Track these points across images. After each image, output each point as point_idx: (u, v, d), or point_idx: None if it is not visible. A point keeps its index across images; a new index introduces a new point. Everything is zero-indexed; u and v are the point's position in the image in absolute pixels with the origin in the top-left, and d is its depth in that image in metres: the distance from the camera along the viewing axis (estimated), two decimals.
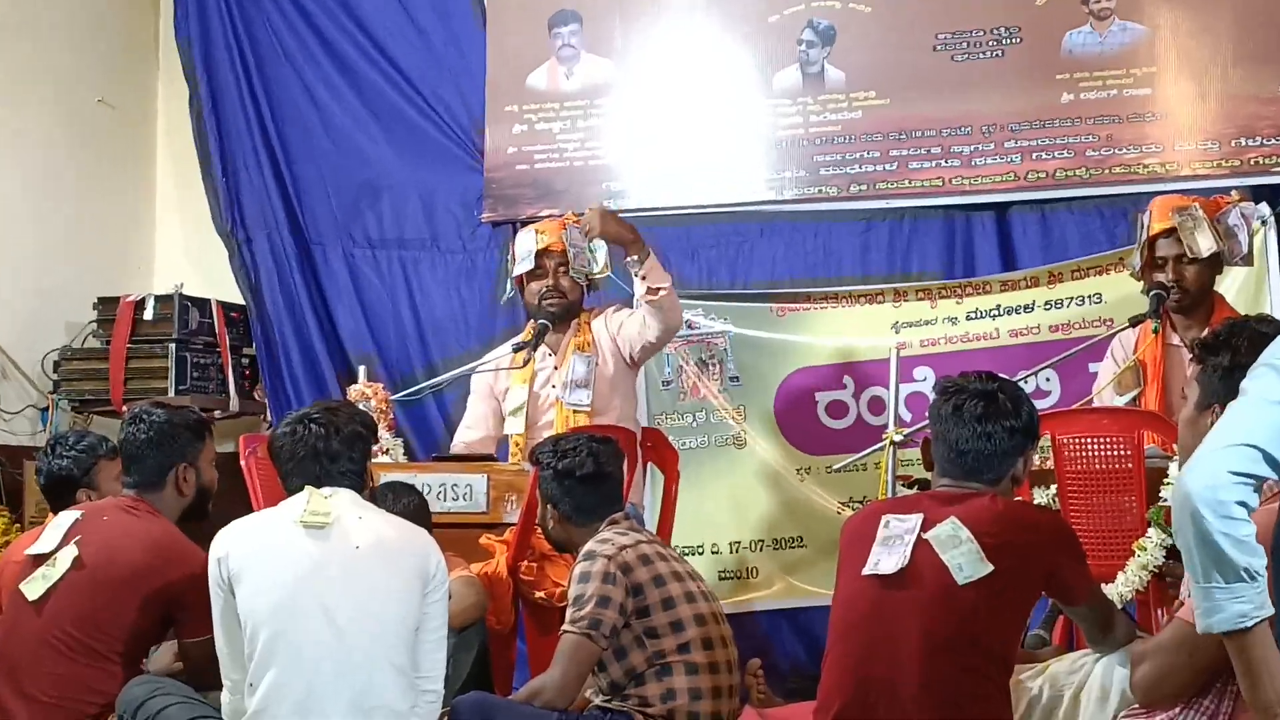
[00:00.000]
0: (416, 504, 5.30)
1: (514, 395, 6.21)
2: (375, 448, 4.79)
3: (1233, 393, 3.16)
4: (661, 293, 5.99)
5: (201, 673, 4.55)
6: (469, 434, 6.35)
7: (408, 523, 4.48)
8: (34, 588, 4.67)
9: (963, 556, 3.83)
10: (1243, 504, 2.93)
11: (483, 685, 5.24)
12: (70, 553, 4.69)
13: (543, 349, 6.21)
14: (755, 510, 7.15)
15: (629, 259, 6.06)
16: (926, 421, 4.24)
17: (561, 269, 6.19)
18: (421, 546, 4.33)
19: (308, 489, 4.29)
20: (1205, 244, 5.52)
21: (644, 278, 6.02)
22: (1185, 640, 3.39)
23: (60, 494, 5.32)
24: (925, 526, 3.90)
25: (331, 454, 4.34)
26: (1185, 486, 2.96)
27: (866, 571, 3.92)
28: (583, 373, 6.09)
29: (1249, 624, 2.97)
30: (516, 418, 6.17)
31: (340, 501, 4.29)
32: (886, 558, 3.91)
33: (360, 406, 5.26)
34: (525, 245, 6.27)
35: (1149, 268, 5.64)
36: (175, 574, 4.61)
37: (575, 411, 6.01)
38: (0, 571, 4.92)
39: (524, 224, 7.52)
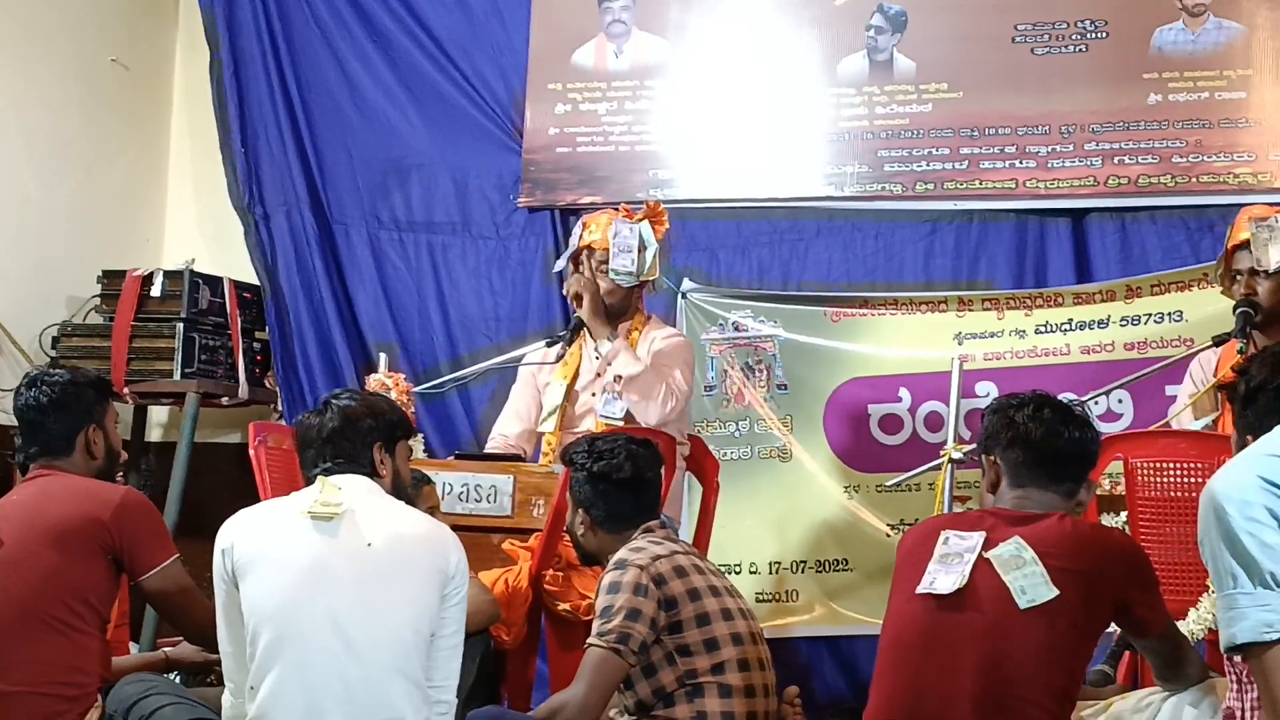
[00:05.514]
0: None
1: (551, 393, 6.19)
2: (411, 442, 4.76)
3: (1260, 417, 3.29)
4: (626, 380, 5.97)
5: (184, 610, 4.59)
6: (507, 425, 6.34)
7: (427, 516, 4.45)
8: None
9: (1025, 579, 3.79)
10: (1270, 511, 3.00)
11: (488, 697, 5.24)
12: None
13: (591, 347, 6.18)
14: (798, 529, 7.15)
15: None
16: None
17: (602, 268, 6.17)
18: (441, 542, 4.30)
19: (320, 479, 4.28)
20: (1277, 256, 5.50)
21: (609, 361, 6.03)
22: None
23: None
24: (987, 545, 3.87)
25: (351, 440, 4.35)
26: (1212, 487, 3.06)
27: (921, 590, 3.89)
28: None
29: (1274, 636, 3.00)
30: (550, 420, 6.14)
31: (354, 492, 4.27)
32: (943, 576, 3.88)
33: None
34: (573, 240, 6.30)
35: (1228, 281, 5.65)
36: (107, 510, 4.56)
37: (609, 424, 5.91)
38: None
39: (563, 211, 7.58)
